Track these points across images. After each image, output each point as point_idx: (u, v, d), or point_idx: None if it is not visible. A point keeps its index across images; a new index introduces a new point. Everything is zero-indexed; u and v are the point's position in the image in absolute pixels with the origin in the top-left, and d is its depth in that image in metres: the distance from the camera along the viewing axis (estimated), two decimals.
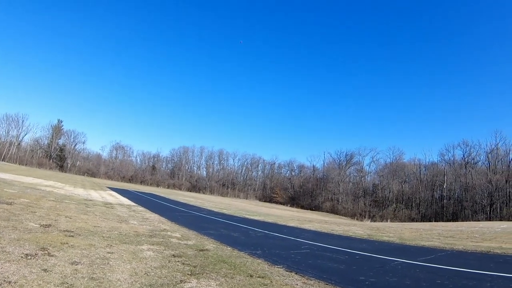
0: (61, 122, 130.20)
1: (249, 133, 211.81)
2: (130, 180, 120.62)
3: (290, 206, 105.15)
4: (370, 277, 8.57)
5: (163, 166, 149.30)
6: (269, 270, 8.45)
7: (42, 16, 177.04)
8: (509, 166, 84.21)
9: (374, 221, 71.07)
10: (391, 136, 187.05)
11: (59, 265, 6.44)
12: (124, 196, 37.70)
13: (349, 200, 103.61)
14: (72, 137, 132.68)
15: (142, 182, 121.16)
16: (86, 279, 5.88)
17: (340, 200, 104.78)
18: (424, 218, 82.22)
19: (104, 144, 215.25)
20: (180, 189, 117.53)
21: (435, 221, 68.84)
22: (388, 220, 71.98)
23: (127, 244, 9.79)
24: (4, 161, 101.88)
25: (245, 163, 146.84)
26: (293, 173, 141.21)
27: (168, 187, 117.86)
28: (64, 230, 10.37)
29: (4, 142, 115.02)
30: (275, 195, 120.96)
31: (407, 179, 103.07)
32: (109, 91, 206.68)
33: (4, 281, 5.19)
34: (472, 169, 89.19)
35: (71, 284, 5.50)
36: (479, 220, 65.09)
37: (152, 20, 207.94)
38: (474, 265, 10.48)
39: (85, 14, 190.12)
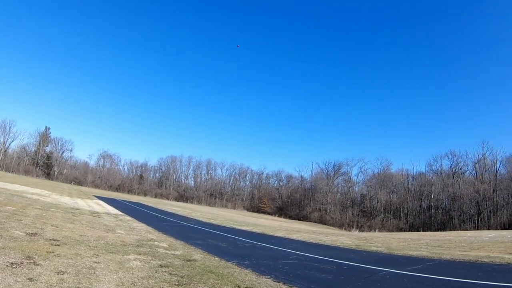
0: (49, 129, 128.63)
1: (237, 143, 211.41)
2: (118, 189, 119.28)
3: (278, 216, 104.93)
4: (358, 287, 8.61)
5: (151, 175, 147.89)
6: (256, 281, 8.43)
7: (29, 20, 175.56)
8: (496, 175, 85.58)
9: (362, 231, 71.25)
10: (379, 146, 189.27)
11: (44, 275, 6.36)
12: (111, 205, 37.31)
13: (337, 210, 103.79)
14: (59, 144, 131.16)
15: (129, 191, 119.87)
16: None
17: (328, 210, 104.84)
18: (412, 228, 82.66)
19: (91, 153, 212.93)
20: (167, 198, 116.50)
21: (423, 231, 69.18)
22: (376, 230, 72.17)
23: (113, 253, 9.70)
24: None
25: (233, 173, 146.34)
26: (281, 183, 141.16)
27: (156, 197, 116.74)
28: (50, 239, 10.24)
29: None
30: (263, 205, 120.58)
31: (395, 189, 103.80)
32: (98, 99, 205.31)
33: None
34: (460, 179, 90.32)
35: None
36: (467, 230, 65.73)
37: (139, 28, 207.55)
38: (462, 274, 10.57)
39: (74, 19, 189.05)
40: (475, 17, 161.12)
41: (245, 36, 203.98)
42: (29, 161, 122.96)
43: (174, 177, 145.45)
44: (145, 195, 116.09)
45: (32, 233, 10.70)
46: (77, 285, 6.07)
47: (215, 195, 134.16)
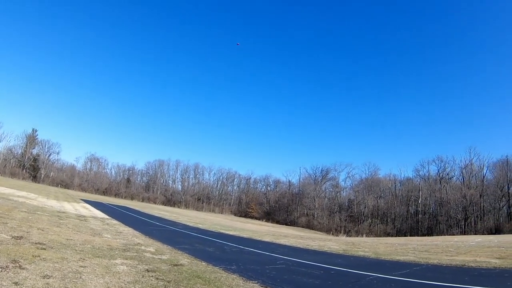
0: (36, 131, 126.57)
1: (225, 148, 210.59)
2: (105, 192, 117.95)
3: (266, 221, 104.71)
4: None
5: (138, 179, 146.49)
6: (243, 286, 8.46)
7: (16, 21, 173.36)
8: (483, 181, 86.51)
9: (350, 236, 71.55)
10: (367, 151, 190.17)
11: (30, 279, 6.32)
12: (98, 209, 36.94)
13: (325, 215, 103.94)
14: (46, 147, 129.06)
15: (116, 195, 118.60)
16: None
17: (315, 215, 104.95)
18: (400, 233, 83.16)
19: (78, 155, 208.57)
20: (155, 202, 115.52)
21: (410, 236, 69.78)
22: (364, 235, 72.54)
23: (100, 258, 9.63)
24: None
25: (221, 177, 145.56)
26: (268, 188, 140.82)
27: (143, 201, 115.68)
28: (36, 243, 10.13)
29: None
30: (250, 210, 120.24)
31: (382, 195, 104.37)
32: (85, 102, 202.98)
33: None
34: (447, 184, 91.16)
35: None
36: (454, 234, 66.46)
37: (129, 31, 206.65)
38: (449, 279, 10.69)
39: (63, 20, 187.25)
40: (460, 21, 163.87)
41: (240, 39, 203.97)
42: (16, 163, 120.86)
43: (162, 181, 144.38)
44: (132, 199, 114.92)
45: (18, 237, 10.58)
46: None
47: (202, 199, 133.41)
